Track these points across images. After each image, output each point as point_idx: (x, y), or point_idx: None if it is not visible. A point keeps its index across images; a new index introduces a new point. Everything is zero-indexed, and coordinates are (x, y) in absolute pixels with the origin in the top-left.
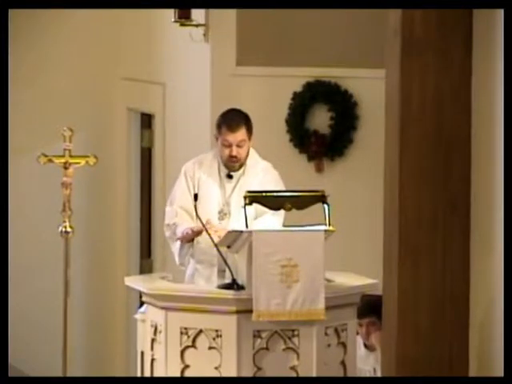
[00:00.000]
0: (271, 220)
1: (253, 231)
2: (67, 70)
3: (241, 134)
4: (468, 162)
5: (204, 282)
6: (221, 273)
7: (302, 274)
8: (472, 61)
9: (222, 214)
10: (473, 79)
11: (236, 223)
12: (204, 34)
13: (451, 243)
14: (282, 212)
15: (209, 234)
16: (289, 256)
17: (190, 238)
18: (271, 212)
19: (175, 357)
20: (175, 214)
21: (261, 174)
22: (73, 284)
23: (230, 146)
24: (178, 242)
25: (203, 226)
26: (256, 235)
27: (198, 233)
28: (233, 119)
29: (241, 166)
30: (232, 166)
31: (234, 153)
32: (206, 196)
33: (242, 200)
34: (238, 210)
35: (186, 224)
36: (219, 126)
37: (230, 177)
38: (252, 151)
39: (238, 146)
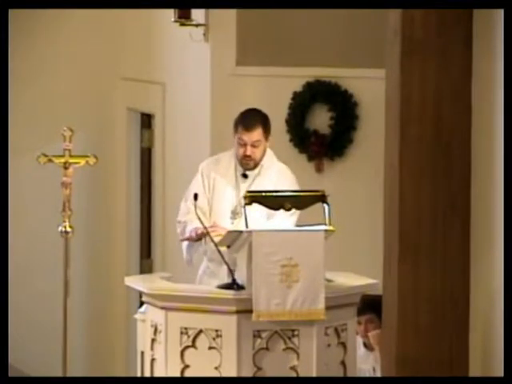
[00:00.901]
0: (285, 220)
1: (253, 231)
2: (67, 70)
3: (256, 133)
4: (468, 162)
5: (213, 279)
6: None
7: (302, 274)
8: (472, 61)
9: (235, 214)
10: (473, 79)
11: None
12: (204, 34)
13: (451, 243)
14: (297, 212)
15: (211, 238)
16: (289, 256)
17: (194, 240)
18: (289, 213)
19: (175, 357)
20: (187, 212)
21: (275, 177)
22: (73, 284)
23: (244, 145)
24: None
25: (205, 228)
26: (256, 235)
27: (202, 235)
28: (250, 119)
29: (256, 166)
30: (246, 164)
31: (249, 152)
32: (221, 195)
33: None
34: (250, 210)
35: (195, 223)
36: (236, 125)
37: (245, 176)
38: (269, 152)
39: (253, 145)
